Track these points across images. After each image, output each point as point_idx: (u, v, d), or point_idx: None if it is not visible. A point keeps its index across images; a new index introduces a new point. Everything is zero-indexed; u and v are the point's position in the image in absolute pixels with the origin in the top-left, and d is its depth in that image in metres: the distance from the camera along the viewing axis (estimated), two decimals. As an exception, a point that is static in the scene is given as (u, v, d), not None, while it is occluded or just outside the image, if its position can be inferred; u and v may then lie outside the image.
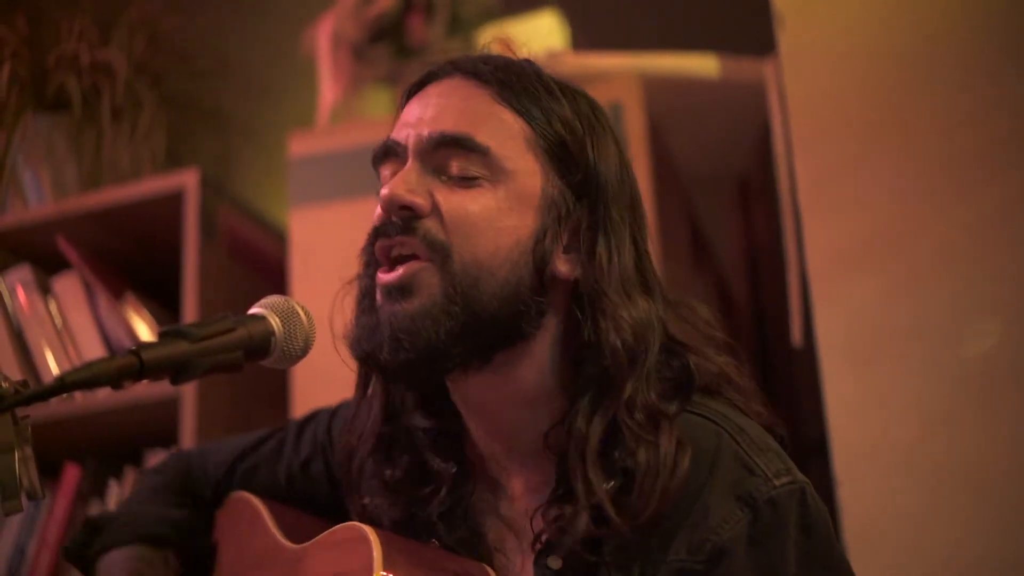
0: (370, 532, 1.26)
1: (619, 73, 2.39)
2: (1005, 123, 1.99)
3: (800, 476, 1.24)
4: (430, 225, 1.25)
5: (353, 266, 1.38)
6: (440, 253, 1.24)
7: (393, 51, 2.71)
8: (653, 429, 1.23)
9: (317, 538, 1.36)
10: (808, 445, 2.18)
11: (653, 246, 1.37)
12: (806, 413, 2.22)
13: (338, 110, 2.68)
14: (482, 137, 1.26)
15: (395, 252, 1.26)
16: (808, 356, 2.06)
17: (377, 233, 1.28)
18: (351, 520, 1.37)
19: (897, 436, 1.93)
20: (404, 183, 1.26)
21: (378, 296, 1.27)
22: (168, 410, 2.45)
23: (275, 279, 2.61)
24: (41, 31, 2.91)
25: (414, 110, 1.32)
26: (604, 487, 1.21)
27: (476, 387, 1.31)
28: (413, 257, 1.25)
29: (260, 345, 1.19)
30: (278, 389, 2.42)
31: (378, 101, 2.75)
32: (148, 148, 2.93)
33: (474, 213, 1.25)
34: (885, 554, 1.86)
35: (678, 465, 1.22)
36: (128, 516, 1.58)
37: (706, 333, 1.35)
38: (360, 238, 1.37)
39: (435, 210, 1.25)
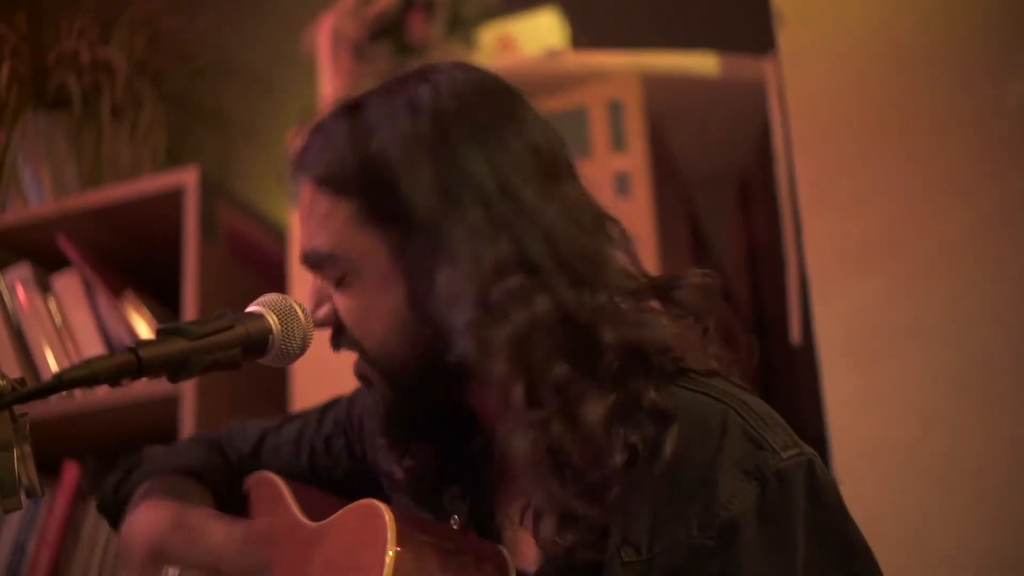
0: (384, 509, 1.27)
1: (619, 71, 2.39)
2: (1005, 123, 1.99)
3: (807, 449, 1.24)
4: (344, 328, 1.31)
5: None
6: (361, 350, 1.31)
7: (393, 49, 2.71)
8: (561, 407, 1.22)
9: (335, 514, 1.37)
10: (807, 443, 2.18)
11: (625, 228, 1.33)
12: (806, 412, 2.21)
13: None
14: (322, 244, 1.30)
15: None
16: (808, 355, 2.06)
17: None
18: (373, 495, 1.39)
19: (897, 436, 1.93)
20: (311, 301, 1.33)
21: None
22: (168, 408, 2.45)
23: (275, 277, 2.61)
24: (41, 29, 2.92)
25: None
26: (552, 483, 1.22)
27: (465, 398, 1.35)
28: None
29: (258, 343, 1.19)
30: (278, 387, 2.42)
31: (378, 100, 2.75)
32: (148, 146, 2.94)
33: (354, 310, 1.30)
34: (885, 554, 1.84)
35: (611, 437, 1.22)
36: (164, 453, 1.64)
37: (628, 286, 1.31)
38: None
39: (337, 315, 1.32)
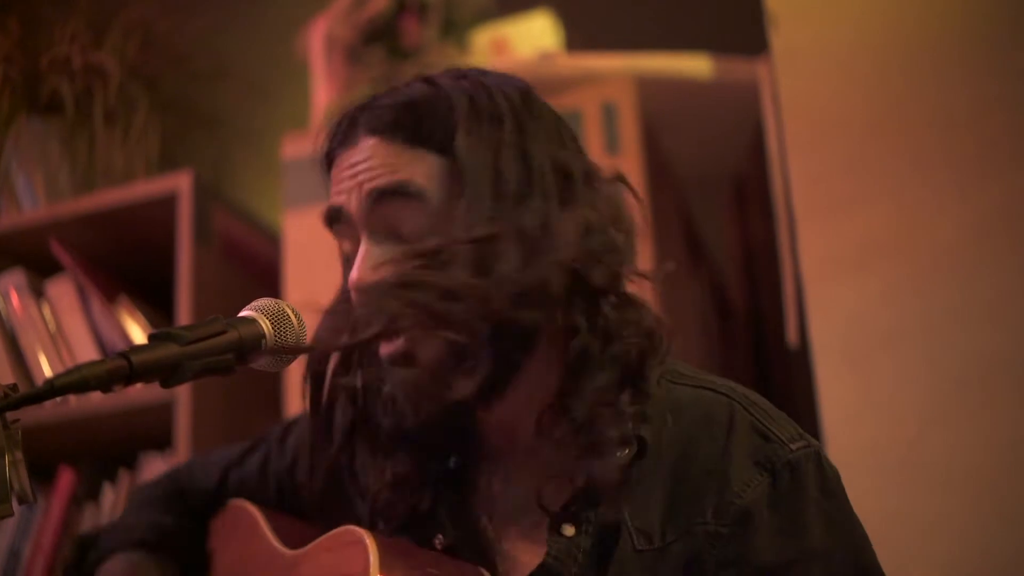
0: (366, 535, 1.26)
1: (613, 74, 2.39)
2: (1002, 122, 1.99)
3: (813, 440, 1.28)
4: (397, 287, 1.23)
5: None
6: (424, 307, 1.22)
7: (387, 53, 2.70)
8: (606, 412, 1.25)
9: (314, 542, 1.36)
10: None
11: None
12: (802, 415, 2.21)
13: (332, 112, 2.67)
14: (418, 180, 1.26)
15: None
16: (804, 358, 2.06)
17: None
18: (345, 522, 1.37)
19: (892, 438, 1.93)
20: (367, 266, 1.26)
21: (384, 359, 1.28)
22: (163, 413, 2.45)
23: (269, 281, 2.61)
24: (34, 34, 2.91)
25: (343, 176, 1.31)
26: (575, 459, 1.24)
27: (484, 412, 1.33)
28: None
29: (251, 348, 1.18)
30: (272, 391, 2.42)
31: (372, 103, 2.75)
32: (142, 151, 2.93)
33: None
34: (880, 556, 1.85)
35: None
36: (121, 526, 1.59)
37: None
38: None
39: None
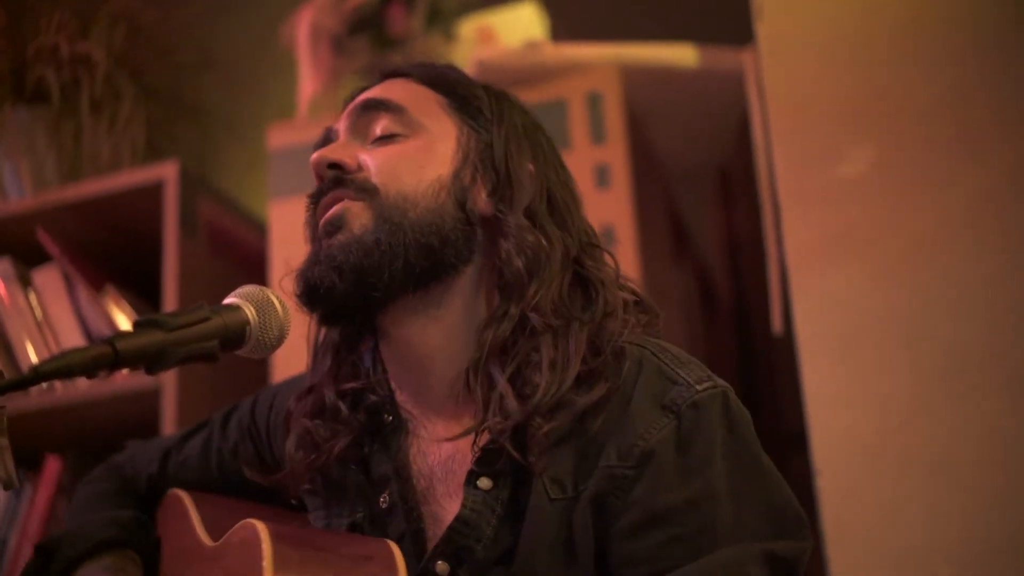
0: (262, 530, 1.27)
1: (598, 63, 2.39)
2: (986, 111, 2.00)
3: (721, 382, 1.30)
4: (359, 176, 1.36)
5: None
6: (369, 192, 1.34)
7: (373, 42, 2.70)
8: (563, 324, 1.31)
9: (224, 537, 1.38)
10: (788, 436, 2.18)
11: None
12: (787, 403, 2.22)
13: (318, 102, 2.67)
14: (399, 99, 1.40)
15: (332, 206, 1.36)
16: (789, 345, 2.06)
17: (314, 197, 1.40)
18: (287, 498, 1.45)
19: (877, 425, 1.93)
20: (331, 147, 1.39)
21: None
22: (149, 401, 2.45)
23: (255, 270, 2.61)
24: (20, 23, 2.90)
25: (350, 105, 1.45)
26: (503, 376, 1.28)
27: (410, 333, 1.36)
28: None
29: (235, 334, 1.19)
30: (258, 378, 2.42)
31: (358, 93, 2.75)
32: (128, 140, 2.93)
33: (396, 161, 1.36)
34: (863, 542, 1.87)
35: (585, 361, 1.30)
36: (80, 529, 1.55)
37: (615, 278, 1.41)
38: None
39: (361, 167, 1.36)
